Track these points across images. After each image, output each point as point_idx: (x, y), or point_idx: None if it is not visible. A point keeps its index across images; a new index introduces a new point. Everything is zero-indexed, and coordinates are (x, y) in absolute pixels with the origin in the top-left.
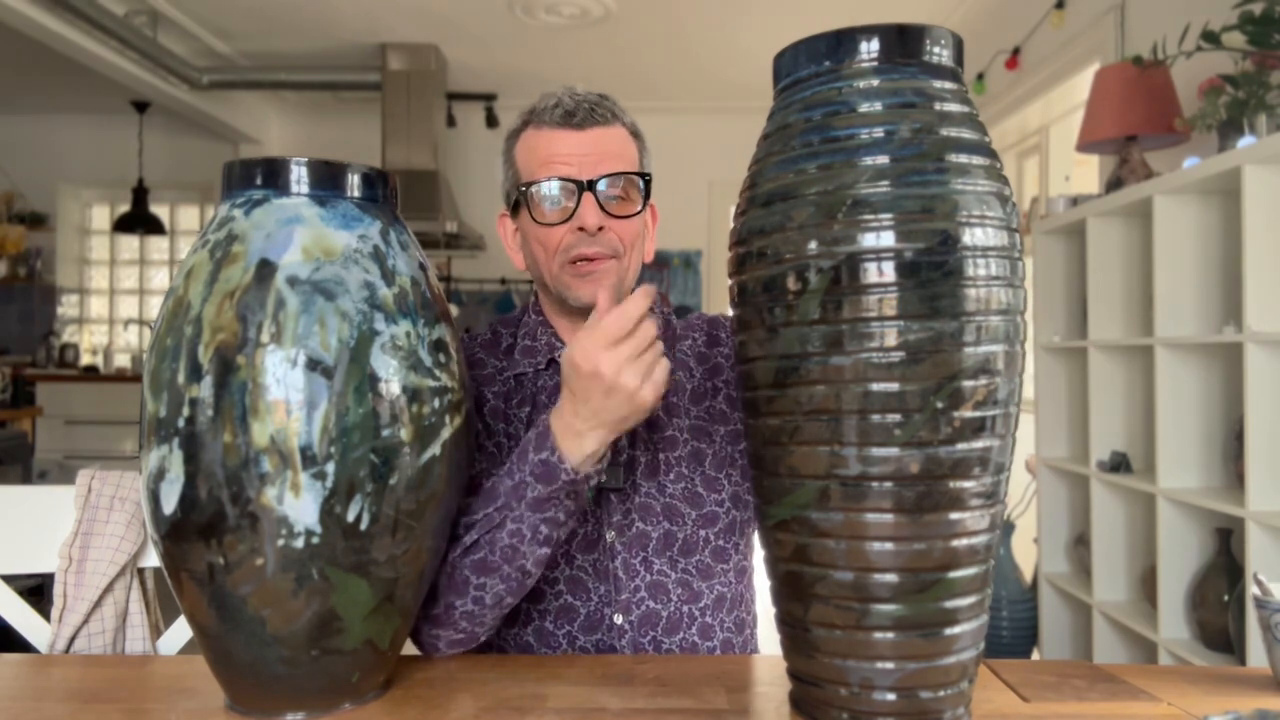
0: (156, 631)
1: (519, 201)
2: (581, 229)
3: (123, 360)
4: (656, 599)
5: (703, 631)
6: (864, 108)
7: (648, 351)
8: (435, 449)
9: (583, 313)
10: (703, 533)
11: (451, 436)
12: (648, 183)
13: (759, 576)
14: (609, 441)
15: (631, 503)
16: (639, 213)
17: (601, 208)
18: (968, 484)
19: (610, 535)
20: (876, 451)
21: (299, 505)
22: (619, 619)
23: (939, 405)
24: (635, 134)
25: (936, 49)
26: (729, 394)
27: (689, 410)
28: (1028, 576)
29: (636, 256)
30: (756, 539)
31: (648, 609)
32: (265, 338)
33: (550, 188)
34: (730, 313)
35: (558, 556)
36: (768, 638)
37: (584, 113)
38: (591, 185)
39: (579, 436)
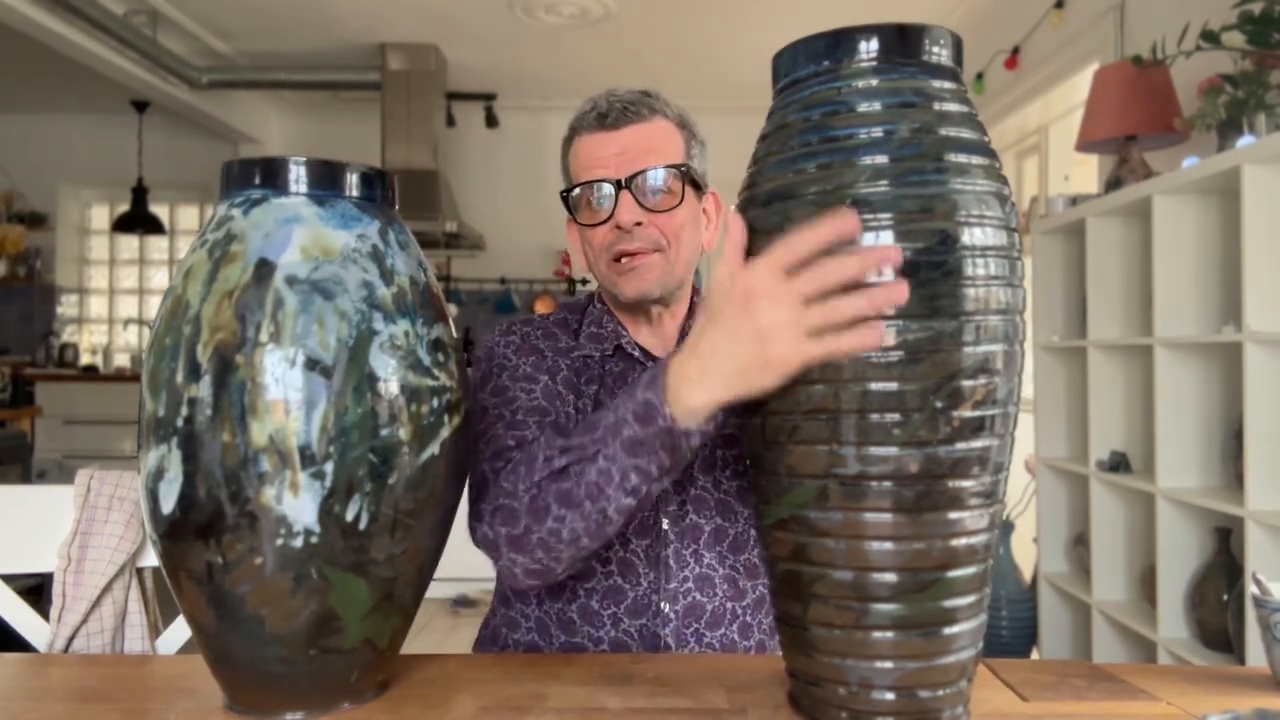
0: (155, 631)
1: (568, 204)
2: (618, 226)
3: (122, 360)
4: (703, 591)
5: (742, 630)
6: (863, 107)
7: (832, 303)
8: (434, 448)
9: (631, 308)
10: (754, 531)
11: (450, 436)
12: (692, 172)
13: None
14: (720, 401)
15: (687, 494)
16: (679, 205)
17: (641, 204)
18: (967, 483)
19: (665, 523)
20: (875, 451)
21: (298, 505)
22: (665, 607)
23: (938, 405)
24: (682, 125)
25: (936, 49)
26: None
27: None
28: (1027, 576)
29: (685, 248)
30: None
31: (693, 600)
32: (264, 337)
33: (588, 190)
34: None
35: (613, 537)
36: None
37: (616, 113)
38: (627, 183)
39: (689, 382)
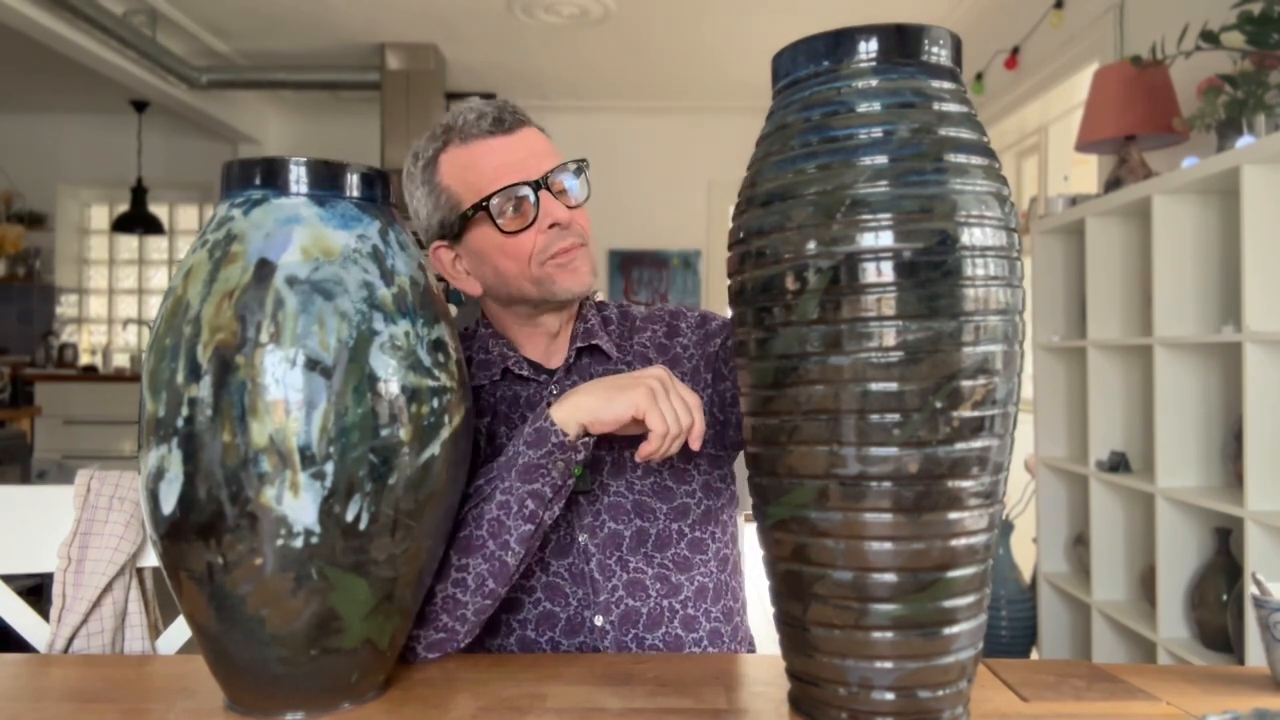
0: (155, 631)
1: (467, 220)
2: (554, 225)
3: (121, 360)
4: (635, 597)
5: (686, 624)
6: (863, 108)
7: (686, 414)
8: (434, 448)
9: (560, 307)
10: (675, 525)
11: (450, 436)
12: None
13: (748, 563)
14: (588, 416)
15: (601, 503)
16: (586, 199)
17: (562, 202)
18: (966, 483)
19: (583, 538)
20: (875, 451)
21: (298, 505)
22: (599, 620)
23: (938, 405)
24: (543, 132)
25: (935, 49)
26: (690, 385)
27: None
28: (1027, 576)
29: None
30: (741, 524)
31: (627, 608)
32: (264, 337)
33: (512, 194)
34: (702, 308)
35: (534, 564)
36: (761, 624)
37: (510, 117)
38: (545, 182)
39: (568, 402)
